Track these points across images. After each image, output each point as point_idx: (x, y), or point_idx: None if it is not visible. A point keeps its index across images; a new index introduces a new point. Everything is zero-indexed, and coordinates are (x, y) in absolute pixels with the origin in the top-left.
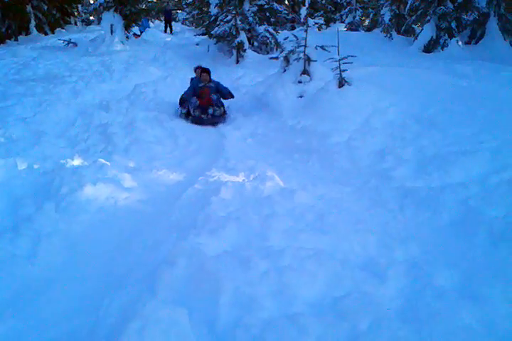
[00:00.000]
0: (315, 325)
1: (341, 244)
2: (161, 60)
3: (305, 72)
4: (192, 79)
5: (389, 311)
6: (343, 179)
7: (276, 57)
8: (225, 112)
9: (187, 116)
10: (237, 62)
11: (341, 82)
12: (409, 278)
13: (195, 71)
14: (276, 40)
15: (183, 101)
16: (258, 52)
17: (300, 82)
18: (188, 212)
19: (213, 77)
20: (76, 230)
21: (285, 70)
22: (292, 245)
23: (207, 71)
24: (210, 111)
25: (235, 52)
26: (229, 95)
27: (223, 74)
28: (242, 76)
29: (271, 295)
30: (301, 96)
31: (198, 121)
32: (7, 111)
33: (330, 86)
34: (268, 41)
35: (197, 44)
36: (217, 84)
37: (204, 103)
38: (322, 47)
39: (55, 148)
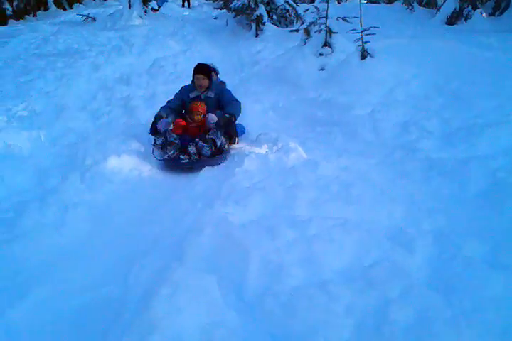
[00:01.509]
0: (344, 293)
1: (367, 214)
2: (179, 34)
3: (326, 44)
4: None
5: (418, 280)
6: (366, 151)
7: (297, 30)
8: (220, 149)
9: (166, 148)
10: (257, 35)
11: (363, 54)
12: (437, 248)
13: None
14: (296, 12)
15: (160, 119)
16: (277, 26)
17: (321, 54)
18: (212, 183)
19: (232, 50)
20: (102, 200)
21: (305, 43)
22: (318, 215)
23: (205, 70)
24: (191, 149)
25: (254, 25)
26: (231, 117)
27: (242, 48)
28: (262, 49)
29: (299, 264)
30: (322, 69)
31: (171, 164)
32: (29, 85)
33: (352, 58)
34: (287, 14)
35: (215, 18)
36: (222, 91)
37: (190, 131)
38: (344, 18)
39: (78, 122)
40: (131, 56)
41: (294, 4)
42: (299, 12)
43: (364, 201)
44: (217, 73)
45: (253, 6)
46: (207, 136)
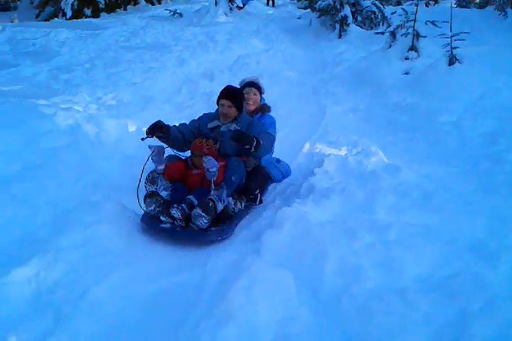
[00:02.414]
0: (423, 301)
1: (449, 224)
2: (263, 33)
3: (413, 48)
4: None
5: (501, 295)
6: (450, 159)
7: (382, 32)
8: (227, 215)
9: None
10: (340, 36)
11: (452, 60)
12: None
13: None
14: (383, 14)
15: (158, 126)
16: (362, 27)
17: (407, 58)
18: (291, 181)
19: (314, 50)
20: None
21: (391, 46)
22: (398, 220)
23: (234, 96)
24: (175, 213)
25: (338, 26)
26: (250, 136)
27: (325, 48)
28: (345, 51)
29: (377, 267)
30: (406, 73)
31: (152, 226)
32: (118, 76)
33: (439, 63)
34: (373, 16)
35: (299, 17)
36: (250, 124)
37: (190, 180)
38: (433, 22)
39: (162, 113)
40: (215, 52)
41: (381, 6)
42: (385, 14)
43: (446, 210)
44: (262, 92)
45: (338, 6)
46: (209, 195)
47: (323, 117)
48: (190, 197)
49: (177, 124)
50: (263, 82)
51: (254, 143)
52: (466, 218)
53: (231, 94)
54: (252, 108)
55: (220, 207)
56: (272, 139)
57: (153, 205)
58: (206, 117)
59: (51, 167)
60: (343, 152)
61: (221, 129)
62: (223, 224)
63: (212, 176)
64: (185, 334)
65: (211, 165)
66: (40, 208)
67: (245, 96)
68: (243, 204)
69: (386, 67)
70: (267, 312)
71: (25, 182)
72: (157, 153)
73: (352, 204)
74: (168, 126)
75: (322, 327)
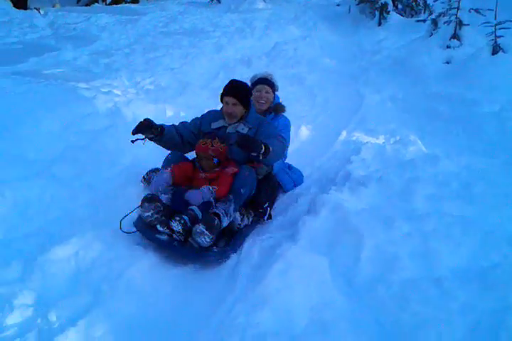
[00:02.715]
0: (460, 291)
1: (488, 216)
2: (301, 20)
3: (455, 36)
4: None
5: None
6: (491, 150)
7: (423, 20)
8: (231, 231)
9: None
10: (379, 24)
11: (495, 49)
12: None
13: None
14: (425, 1)
15: (147, 129)
16: (402, 15)
17: (448, 47)
18: (327, 169)
19: (352, 38)
20: None
21: (432, 34)
22: (437, 210)
23: (239, 92)
24: (176, 226)
25: (377, 13)
26: (258, 141)
27: (363, 36)
28: (384, 39)
29: (413, 257)
30: (447, 62)
31: (146, 235)
32: (157, 61)
33: (482, 52)
34: (414, 3)
35: (338, 5)
36: (261, 125)
37: (196, 183)
38: (477, 10)
39: (200, 99)
40: (253, 39)
41: None
42: (427, 1)
43: (485, 201)
44: (275, 90)
45: None
46: (214, 209)
47: (360, 105)
48: (194, 208)
49: (176, 124)
50: (298, 71)
51: (262, 150)
52: (505, 210)
53: (235, 90)
54: (264, 107)
55: (225, 222)
56: (283, 144)
57: (151, 211)
58: (210, 115)
59: (90, 149)
60: (380, 140)
61: (227, 131)
62: (226, 240)
63: (196, 201)
64: (221, 316)
65: (193, 197)
66: (79, 189)
67: (256, 94)
68: (250, 220)
69: (427, 55)
70: (301, 297)
71: (66, 164)
72: (159, 182)
73: (389, 193)
74: (161, 125)
75: (356, 313)
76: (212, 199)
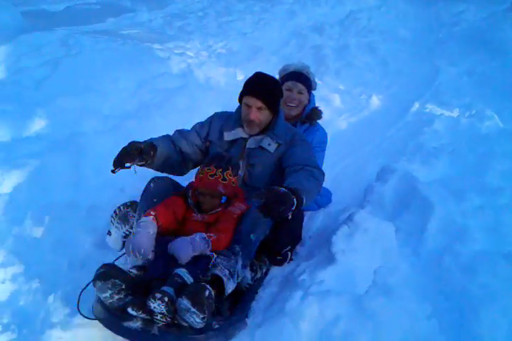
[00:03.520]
0: None
1: None
2: None
3: None
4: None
5: None
6: None
7: None
8: (240, 290)
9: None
10: None
11: None
12: None
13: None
14: None
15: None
16: None
17: None
18: (397, 139)
19: (430, 9)
20: None
21: None
22: (511, 186)
23: (266, 91)
24: (158, 306)
25: None
26: (289, 201)
27: (442, 7)
28: (464, 11)
29: (484, 230)
30: None
31: (110, 324)
32: (229, 25)
33: None
34: None
35: None
36: (293, 140)
37: (191, 232)
38: None
39: (270, 64)
40: (326, 6)
41: None
42: None
43: None
44: (311, 89)
45: None
46: (209, 269)
47: (435, 78)
48: (181, 271)
49: (171, 134)
50: (371, 40)
51: (294, 206)
52: None
53: (263, 89)
54: (294, 113)
55: (230, 288)
56: (320, 182)
57: (109, 291)
58: (221, 121)
59: (163, 107)
60: (455, 113)
61: (247, 146)
62: (230, 303)
63: (184, 261)
64: (286, 274)
65: (181, 249)
66: None
67: (286, 94)
68: (264, 271)
69: (509, 29)
70: (366, 260)
71: (140, 120)
72: (140, 246)
73: (461, 166)
74: (150, 145)
75: (420, 282)
76: (209, 253)
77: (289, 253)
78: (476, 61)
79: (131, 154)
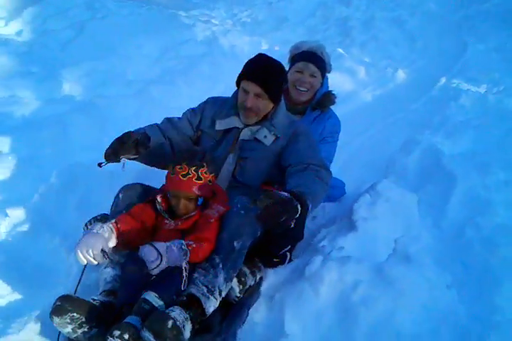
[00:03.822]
0: None
1: None
2: None
3: None
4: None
5: None
6: None
7: None
8: (221, 320)
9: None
10: None
11: None
12: None
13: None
14: None
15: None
16: None
17: None
18: (422, 113)
19: None
20: None
21: None
22: None
23: (268, 75)
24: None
25: None
26: (294, 205)
27: None
28: None
29: (507, 205)
30: None
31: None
32: None
33: None
34: None
35: None
36: (296, 134)
37: (162, 237)
38: None
39: (295, 35)
40: None
41: None
42: None
43: None
44: (326, 71)
45: None
46: (188, 287)
47: (463, 54)
48: (149, 295)
49: (159, 123)
50: (398, 14)
51: (298, 214)
52: None
53: (264, 74)
54: (304, 98)
55: (211, 307)
56: (327, 184)
57: (69, 326)
58: (215, 107)
59: (187, 74)
60: (482, 89)
61: (241, 136)
62: (220, 315)
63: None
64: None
65: (146, 252)
66: (174, 111)
67: (296, 76)
68: (258, 277)
69: None
70: (387, 228)
71: (164, 86)
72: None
73: (487, 141)
74: (143, 135)
75: (441, 253)
76: (184, 265)
77: (288, 253)
78: (506, 38)
79: (127, 146)
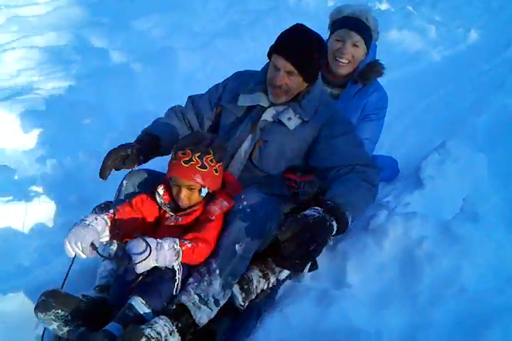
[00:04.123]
0: None
1: None
2: None
3: None
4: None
5: None
6: None
7: None
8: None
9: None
10: None
11: None
12: None
13: None
14: None
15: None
16: None
17: None
18: (494, 74)
19: None
20: None
21: None
22: None
23: (304, 51)
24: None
25: None
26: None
27: None
28: None
29: None
30: None
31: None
32: None
33: None
34: None
35: None
36: (332, 118)
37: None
38: None
39: None
40: None
41: None
42: None
43: None
44: (371, 40)
45: None
46: (179, 295)
47: None
48: (135, 301)
49: (177, 107)
50: None
51: (333, 232)
52: None
53: (298, 50)
54: (345, 71)
55: (203, 315)
56: (376, 187)
57: (54, 323)
58: (241, 79)
59: (253, 28)
60: None
61: (263, 117)
62: (230, 320)
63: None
64: None
65: (132, 247)
66: (239, 65)
67: (336, 46)
68: (273, 280)
69: None
70: (455, 187)
71: (229, 39)
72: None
73: None
74: (152, 135)
75: (510, 214)
76: (177, 266)
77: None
78: None
79: (123, 158)
